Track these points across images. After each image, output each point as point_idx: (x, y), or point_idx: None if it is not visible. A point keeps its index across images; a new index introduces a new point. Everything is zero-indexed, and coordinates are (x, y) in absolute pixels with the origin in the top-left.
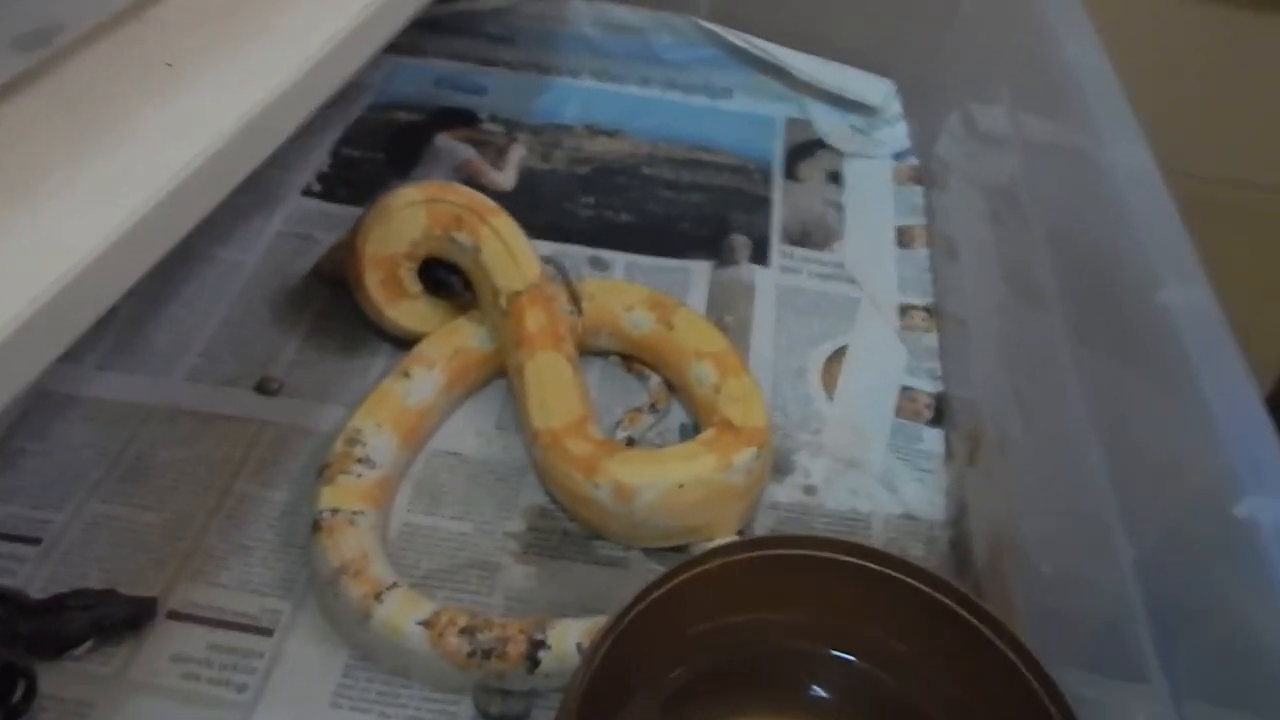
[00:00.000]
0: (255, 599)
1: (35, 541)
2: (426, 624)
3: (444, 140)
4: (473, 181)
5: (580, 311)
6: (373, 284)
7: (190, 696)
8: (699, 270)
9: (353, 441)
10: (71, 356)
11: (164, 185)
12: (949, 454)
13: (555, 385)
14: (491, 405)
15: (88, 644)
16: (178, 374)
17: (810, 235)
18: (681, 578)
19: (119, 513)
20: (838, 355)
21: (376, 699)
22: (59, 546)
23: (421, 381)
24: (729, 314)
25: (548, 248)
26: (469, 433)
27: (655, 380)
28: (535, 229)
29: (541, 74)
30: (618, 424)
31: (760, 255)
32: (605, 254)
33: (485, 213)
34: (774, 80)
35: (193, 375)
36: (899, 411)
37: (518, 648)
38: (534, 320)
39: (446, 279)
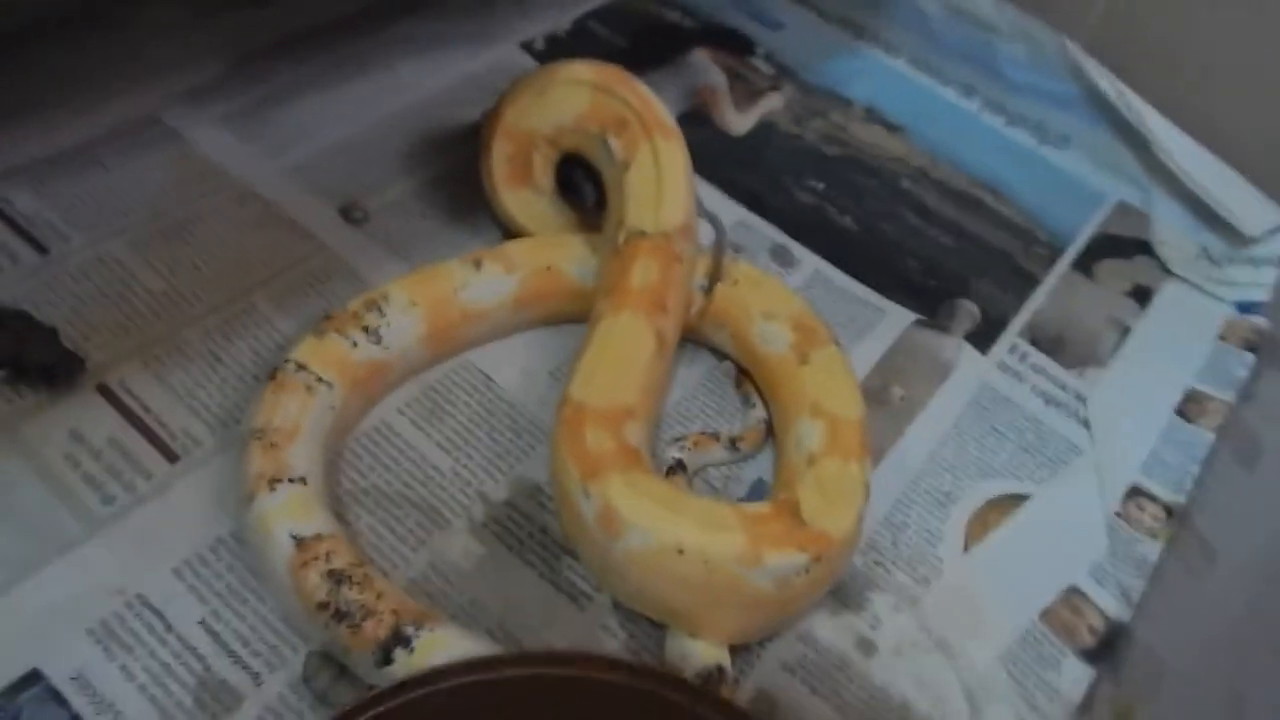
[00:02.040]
0: (186, 417)
1: (43, 250)
2: (299, 543)
3: (700, 56)
4: (703, 110)
5: (711, 291)
6: (499, 157)
7: (56, 479)
8: (895, 318)
9: (372, 306)
10: (199, 97)
11: None
12: (1085, 710)
13: (620, 357)
14: (562, 347)
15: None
16: (283, 161)
17: (1063, 346)
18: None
19: (129, 264)
20: (1008, 503)
21: (221, 592)
22: (58, 267)
23: (488, 281)
24: (899, 386)
25: (733, 212)
26: (516, 364)
27: (759, 414)
28: (736, 187)
29: (854, 36)
30: (677, 440)
31: (983, 338)
32: (797, 249)
33: (655, 128)
34: (1128, 149)
35: (295, 169)
36: (1048, 615)
37: (377, 629)
38: (642, 273)
39: (581, 184)
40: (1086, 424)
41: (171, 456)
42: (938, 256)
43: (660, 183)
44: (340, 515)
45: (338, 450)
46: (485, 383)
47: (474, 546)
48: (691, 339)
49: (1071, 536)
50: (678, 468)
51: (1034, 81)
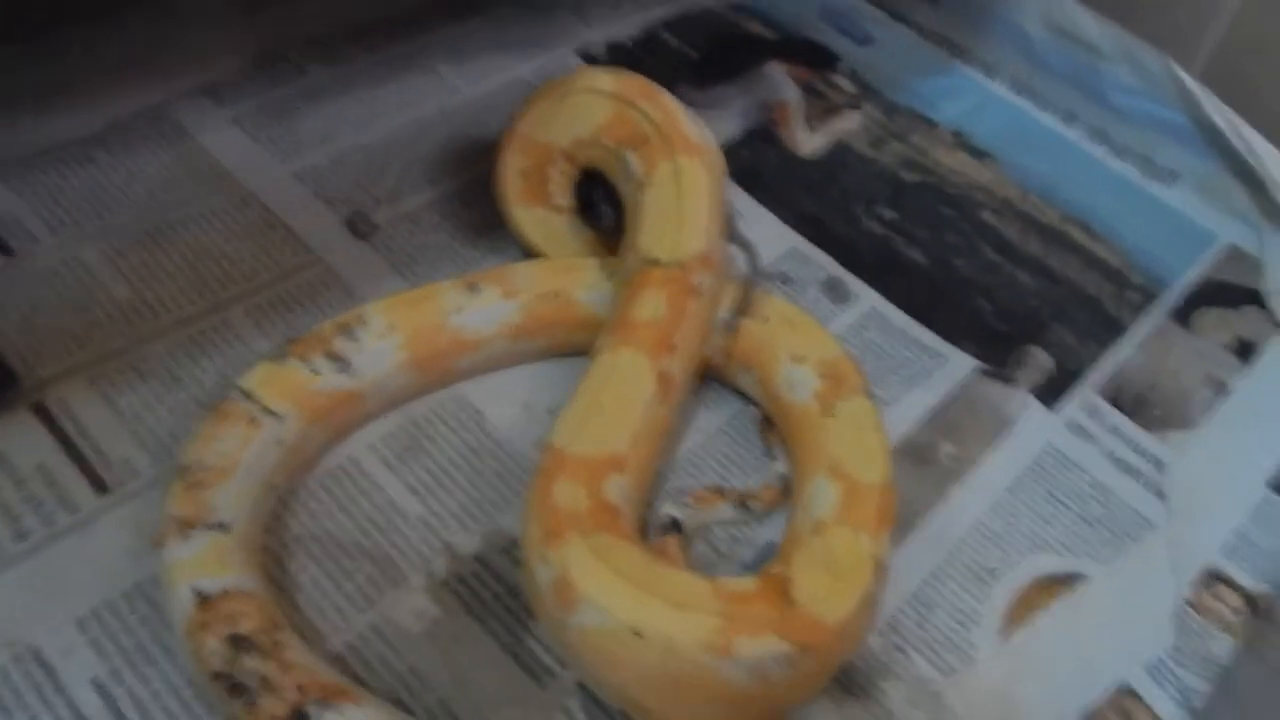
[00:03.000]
0: (127, 444)
1: (7, 251)
2: (203, 600)
3: (776, 70)
4: (772, 128)
5: (736, 329)
6: (511, 170)
7: None
8: (956, 365)
9: (343, 330)
10: (218, 94)
11: None
12: None
13: (614, 400)
14: (568, 382)
15: None
16: (293, 164)
17: (1146, 404)
18: None
19: (98, 270)
20: (1059, 583)
21: (127, 649)
22: (19, 270)
23: (486, 306)
24: (949, 442)
25: (786, 240)
26: (515, 399)
27: (779, 469)
28: (796, 213)
29: (949, 53)
30: (679, 495)
31: (1051, 391)
32: (854, 283)
33: (678, 144)
34: (1244, 189)
35: (304, 174)
36: (1092, 719)
37: (275, 707)
38: (649, 306)
39: (599, 203)
40: (1163, 495)
41: (101, 488)
42: (1014, 298)
43: (680, 205)
44: (282, 565)
45: (291, 490)
46: (475, 418)
47: (428, 607)
48: (717, 379)
49: (1130, 625)
50: (672, 528)
51: (1140, 108)
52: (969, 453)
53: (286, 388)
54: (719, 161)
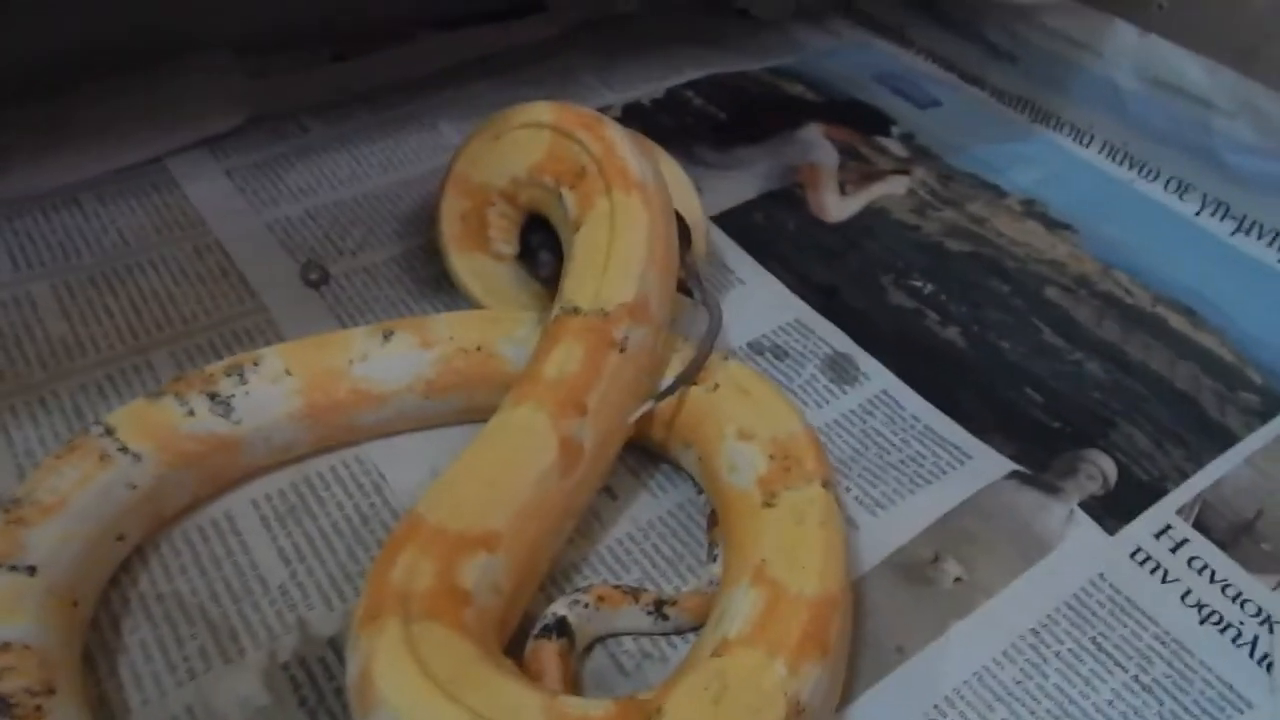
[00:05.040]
0: (8, 477)
1: None
2: None
3: (814, 132)
4: (798, 190)
5: (674, 396)
6: (449, 214)
7: None
8: (982, 464)
9: (234, 370)
10: (216, 147)
11: None
12: None
13: (498, 465)
14: None
15: None
16: (267, 215)
17: (1250, 539)
18: None
19: (43, 306)
20: None
21: None
22: None
23: (396, 356)
24: (955, 560)
25: (790, 309)
26: (423, 464)
27: (715, 574)
28: (807, 280)
29: (1029, 116)
30: (577, 592)
31: (1112, 508)
32: (866, 361)
33: (615, 179)
34: None
35: (274, 224)
36: None
37: None
38: (560, 360)
39: (537, 250)
40: (1268, 664)
41: None
42: (1074, 389)
43: (614, 247)
44: (116, 623)
45: (153, 542)
46: (376, 482)
47: (257, 694)
48: (665, 453)
49: None
50: (554, 631)
51: (1265, 170)
52: (982, 577)
53: (151, 426)
54: (662, 200)
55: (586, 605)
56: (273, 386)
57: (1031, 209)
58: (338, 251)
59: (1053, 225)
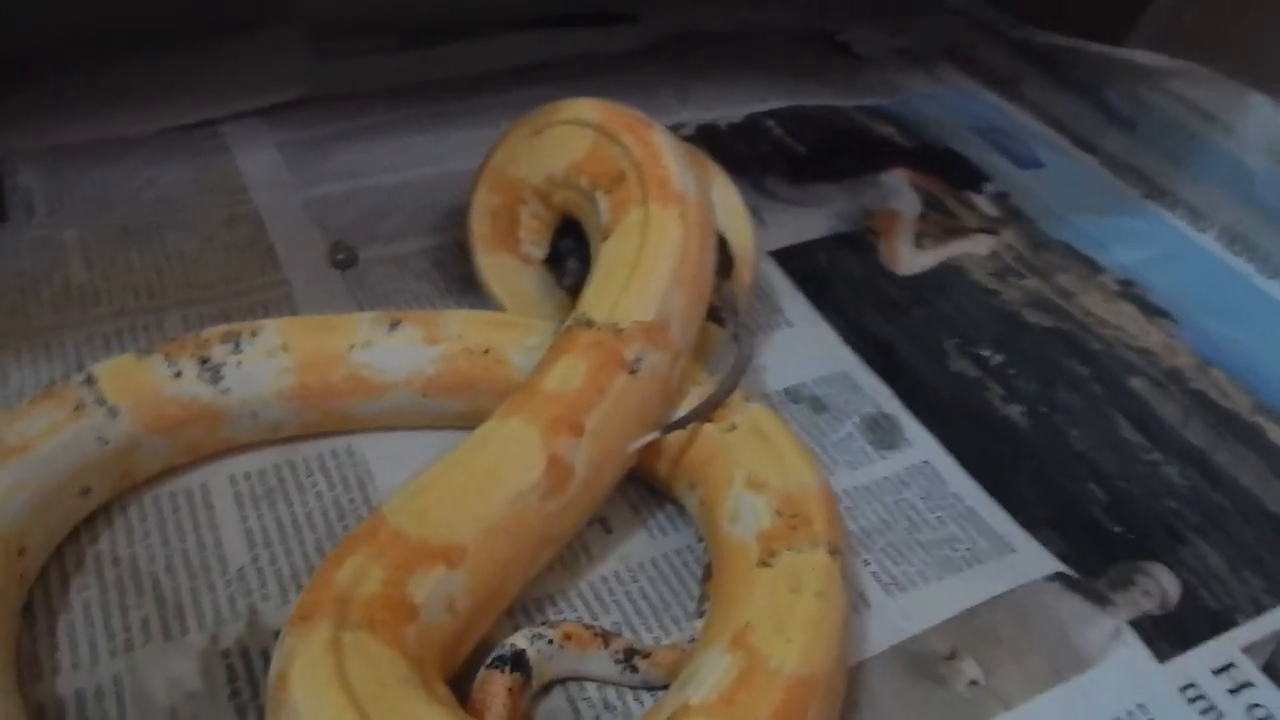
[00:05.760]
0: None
1: (2, 218)
2: None
3: (898, 177)
4: (871, 236)
5: (683, 428)
6: (480, 210)
7: None
8: (1024, 559)
9: (230, 338)
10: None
11: None
12: None
13: (475, 475)
14: None
15: None
16: (310, 191)
17: None
18: None
19: (69, 252)
20: None
21: None
22: (2, 236)
23: (399, 348)
24: (974, 661)
25: (839, 360)
26: (414, 465)
27: (700, 628)
28: (862, 332)
29: (1143, 191)
30: (541, 625)
31: (1167, 632)
32: (912, 428)
33: (653, 188)
34: None
35: (313, 202)
36: None
37: None
38: (562, 373)
39: (565, 256)
40: None
41: None
42: (1145, 492)
43: (637, 261)
44: (66, 580)
45: (121, 503)
46: (361, 478)
47: (189, 676)
48: (671, 497)
49: None
50: (508, 664)
51: None
52: (1002, 685)
53: (135, 383)
54: (702, 218)
55: (550, 641)
56: (267, 360)
57: (1128, 290)
58: (370, 237)
59: (1149, 311)
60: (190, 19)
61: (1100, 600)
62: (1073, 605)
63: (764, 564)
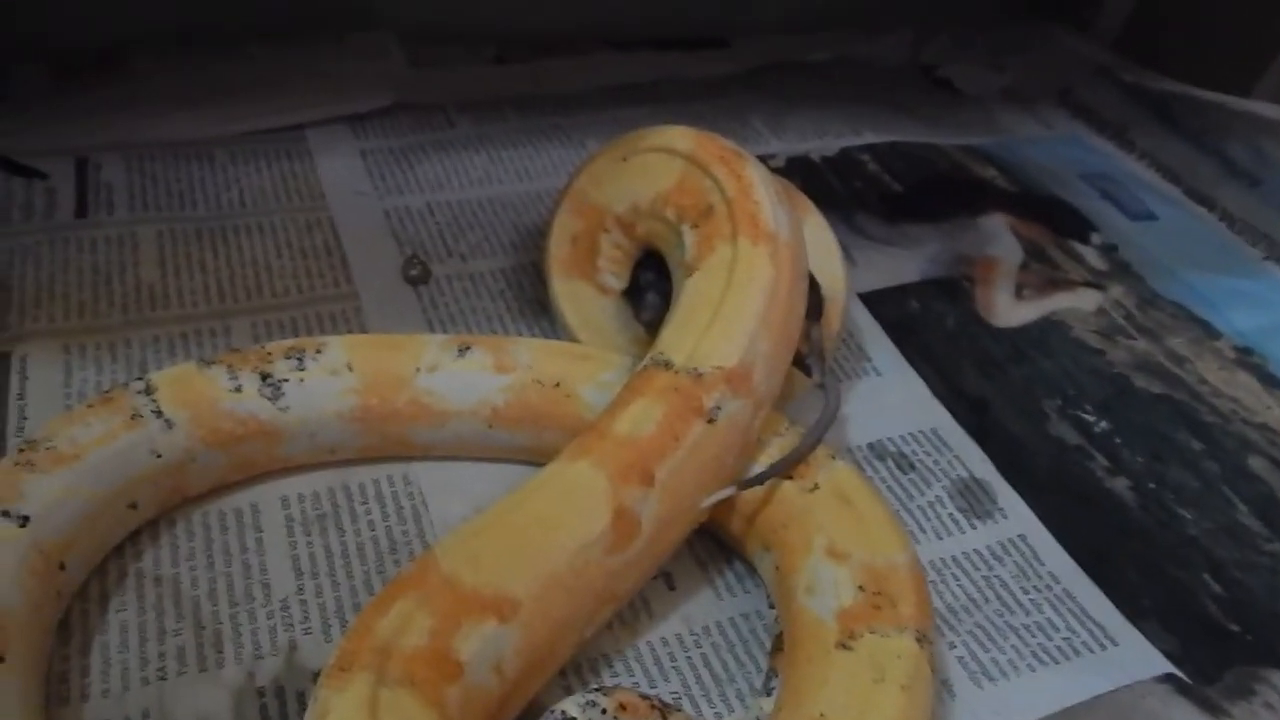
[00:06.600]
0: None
1: (81, 213)
2: None
3: (998, 222)
4: (966, 283)
5: (759, 485)
6: (560, 233)
7: None
8: (1128, 656)
9: (294, 353)
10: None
11: None
12: None
13: (536, 522)
14: None
15: None
16: (390, 201)
17: None
18: None
19: (143, 250)
20: None
21: None
22: (78, 231)
23: (467, 374)
24: None
25: (927, 415)
26: (472, 498)
27: (767, 709)
28: (953, 386)
29: (1265, 252)
30: (593, 692)
31: None
32: (1007, 497)
33: (744, 225)
34: None
35: (392, 212)
36: None
37: None
38: (635, 417)
39: (645, 290)
40: None
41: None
42: (1266, 590)
43: (722, 301)
44: (105, 596)
45: (170, 518)
46: (417, 508)
47: (220, 714)
48: (741, 556)
49: None
50: None
51: None
52: None
53: (194, 395)
54: (794, 259)
55: (604, 711)
56: (330, 379)
57: (1247, 359)
58: (447, 252)
59: (1272, 383)
60: (281, 22)
61: (1213, 709)
62: (1182, 713)
63: (843, 646)
